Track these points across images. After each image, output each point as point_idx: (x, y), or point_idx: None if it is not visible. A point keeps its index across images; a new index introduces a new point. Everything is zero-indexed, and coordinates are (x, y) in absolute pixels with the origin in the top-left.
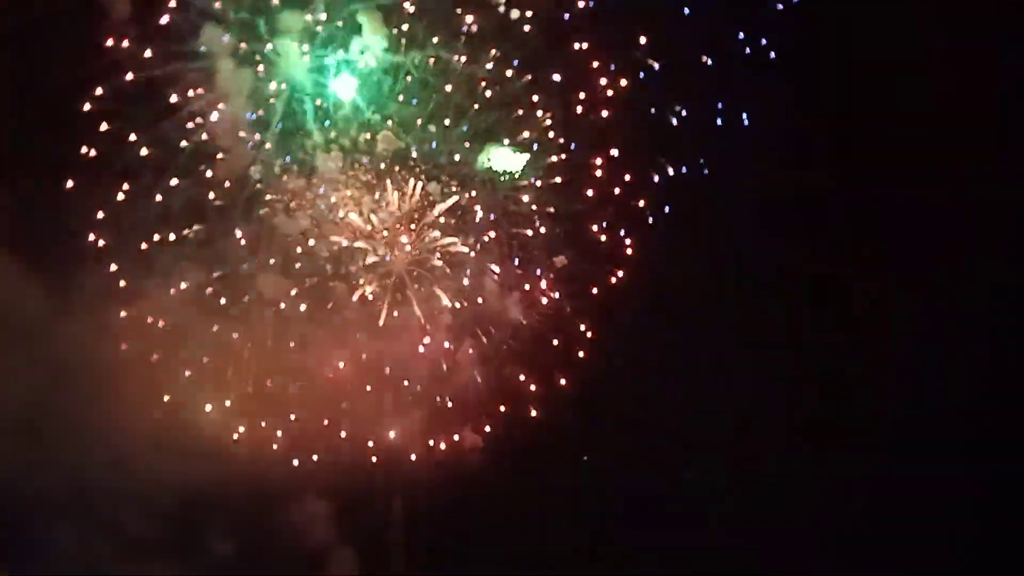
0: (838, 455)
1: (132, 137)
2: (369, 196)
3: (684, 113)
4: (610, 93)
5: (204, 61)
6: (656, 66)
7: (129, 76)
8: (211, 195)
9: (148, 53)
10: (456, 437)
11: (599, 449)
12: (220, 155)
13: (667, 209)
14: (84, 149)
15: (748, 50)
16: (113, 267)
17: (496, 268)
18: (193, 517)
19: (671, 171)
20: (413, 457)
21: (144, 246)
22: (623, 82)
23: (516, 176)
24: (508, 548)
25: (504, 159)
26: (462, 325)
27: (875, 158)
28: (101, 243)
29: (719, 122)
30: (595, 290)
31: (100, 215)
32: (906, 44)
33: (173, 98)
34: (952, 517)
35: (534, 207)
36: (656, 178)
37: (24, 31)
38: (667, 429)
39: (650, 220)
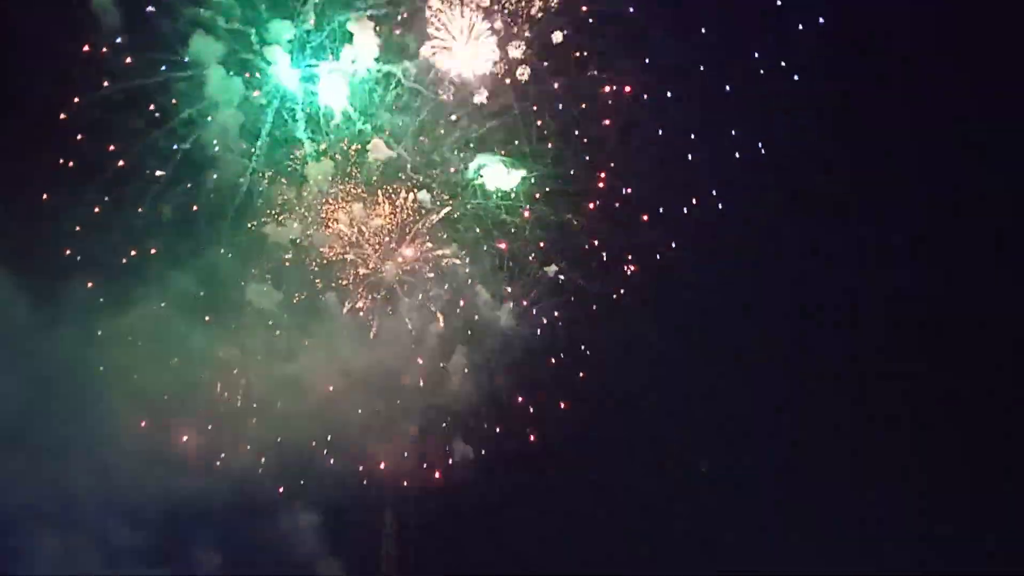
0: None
1: (121, 147)
2: (360, 206)
3: (694, 136)
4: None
5: (194, 70)
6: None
7: (118, 85)
8: (199, 205)
9: (138, 62)
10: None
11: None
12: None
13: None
14: (72, 158)
15: (764, 71)
16: (100, 278)
17: (488, 279)
18: (178, 532)
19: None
20: (404, 470)
21: (132, 256)
22: (627, 88)
23: (510, 195)
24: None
25: (497, 177)
26: (453, 336)
27: (893, 190)
28: (88, 254)
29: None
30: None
31: (88, 225)
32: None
33: (163, 107)
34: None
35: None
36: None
37: (11, 40)
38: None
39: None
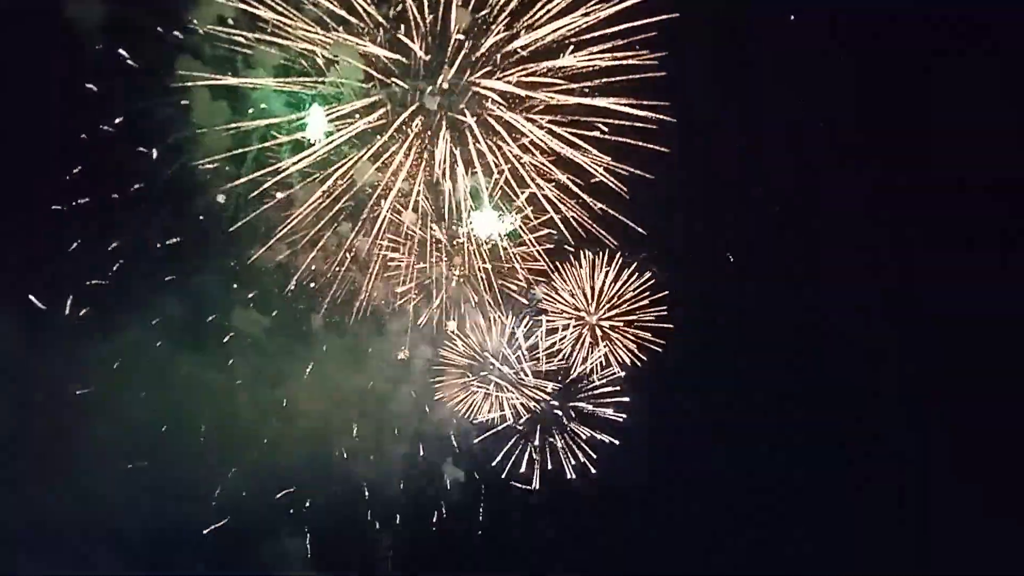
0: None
1: (105, 172)
2: (346, 227)
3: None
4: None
5: (178, 95)
6: None
7: (103, 110)
8: (184, 230)
9: (122, 87)
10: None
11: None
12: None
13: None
14: (54, 184)
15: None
16: (83, 304)
17: (475, 301)
18: (165, 560)
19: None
20: (395, 494)
21: (116, 281)
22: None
23: (499, 242)
24: None
25: (487, 225)
26: (441, 358)
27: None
28: (72, 279)
29: None
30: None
31: (72, 250)
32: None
33: (147, 132)
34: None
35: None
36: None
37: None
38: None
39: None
